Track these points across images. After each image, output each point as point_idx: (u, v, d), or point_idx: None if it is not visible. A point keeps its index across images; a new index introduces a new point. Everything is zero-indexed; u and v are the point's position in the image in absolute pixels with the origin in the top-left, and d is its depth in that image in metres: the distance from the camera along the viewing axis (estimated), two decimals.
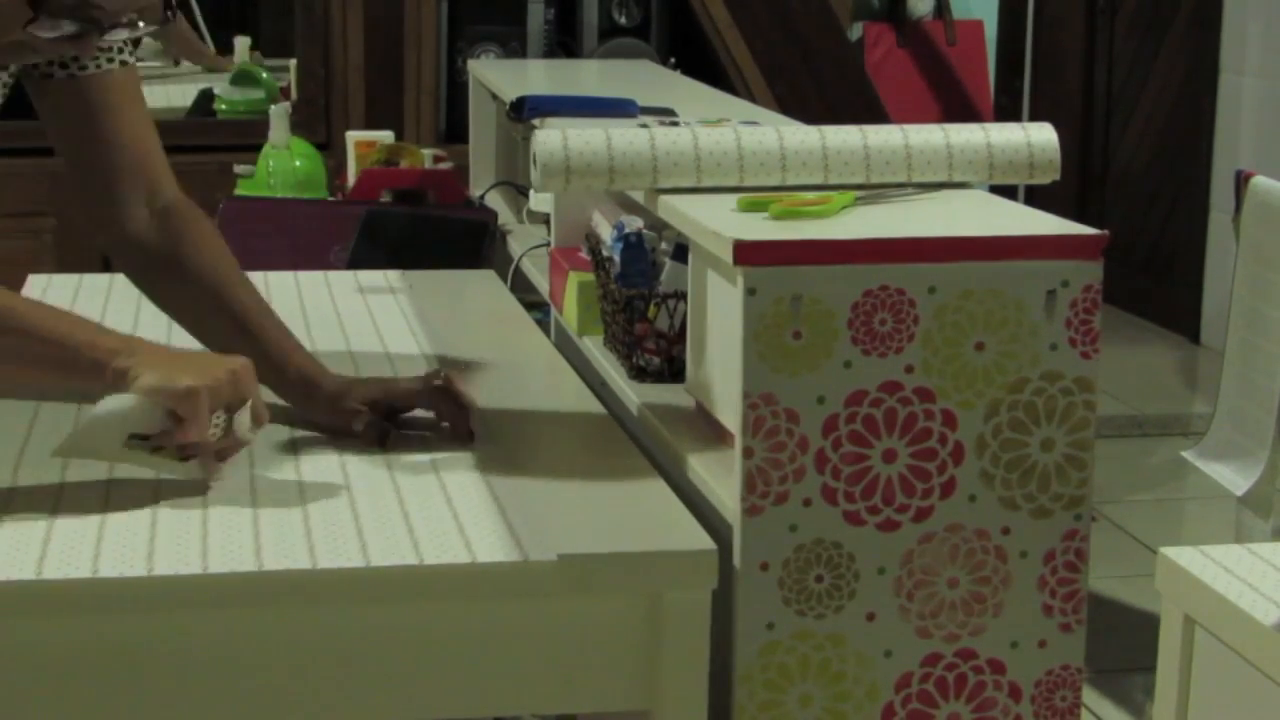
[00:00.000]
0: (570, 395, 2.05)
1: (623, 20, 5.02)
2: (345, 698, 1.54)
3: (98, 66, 1.86)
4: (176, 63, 5.00)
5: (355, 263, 2.91)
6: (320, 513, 1.62)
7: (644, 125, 1.92)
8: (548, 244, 2.70)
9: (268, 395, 1.79)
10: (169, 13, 1.71)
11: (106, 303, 2.37)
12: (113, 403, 1.61)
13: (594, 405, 2.00)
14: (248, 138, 4.18)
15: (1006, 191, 2.10)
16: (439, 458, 1.77)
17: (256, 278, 2.53)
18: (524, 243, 2.96)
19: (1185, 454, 2.82)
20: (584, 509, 1.69)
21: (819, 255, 1.63)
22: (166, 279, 1.94)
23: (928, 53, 6.37)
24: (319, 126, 4.77)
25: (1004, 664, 1.71)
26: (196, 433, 1.61)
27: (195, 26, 4.98)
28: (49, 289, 2.46)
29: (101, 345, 1.64)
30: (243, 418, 1.65)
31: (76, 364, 1.63)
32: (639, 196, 1.94)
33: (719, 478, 1.73)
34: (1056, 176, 1.91)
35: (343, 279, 2.58)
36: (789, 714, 1.67)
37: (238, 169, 3.57)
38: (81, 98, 1.87)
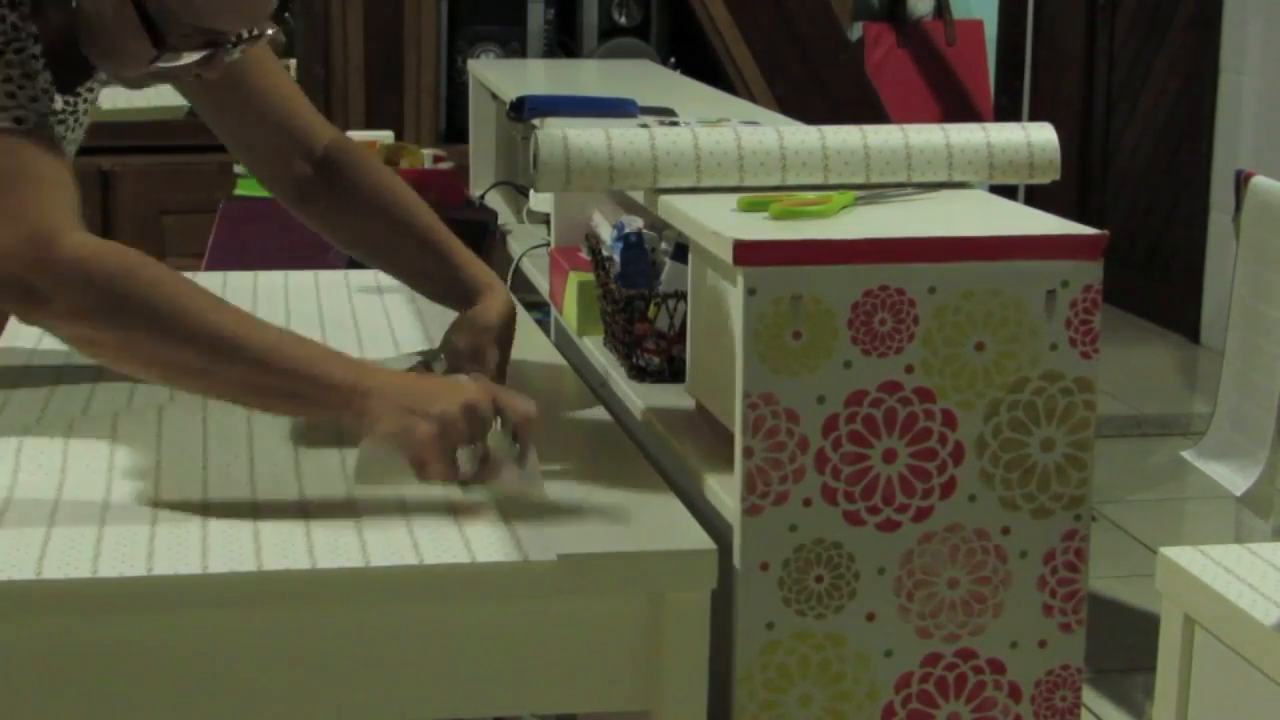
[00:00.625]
0: (570, 395, 2.05)
1: (623, 20, 5.03)
2: (345, 698, 1.54)
3: (278, 25, 1.88)
4: None
5: (355, 263, 2.91)
6: (320, 513, 1.62)
7: (644, 125, 1.92)
8: (548, 244, 2.70)
9: (256, 433, 1.78)
10: (285, 13, 1.75)
11: None
12: None
13: (594, 405, 2.00)
14: None
15: (1006, 191, 2.10)
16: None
17: (246, 278, 2.54)
18: (524, 243, 2.96)
19: (1185, 454, 2.82)
20: (584, 509, 1.69)
21: (819, 255, 1.63)
22: (345, 216, 1.99)
23: (928, 53, 6.37)
24: None
25: (1004, 664, 1.71)
26: (439, 474, 1.61)
27: None
28: None
29: (337, 382, 1.60)
30: (491, 446, 1.64)
31: (311, 402, 1.61)
32: (639, 196, 1.94)
33: (719, 478, 1.73)
34: (1056, 176, 1.91)
35: (334, 279, 2.58)
36: (789, 714, 1.67)
37: (238, 169, 3.57)
38: (229, 75, 1.88)
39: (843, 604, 1.67)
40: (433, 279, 1.98)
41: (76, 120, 1.86)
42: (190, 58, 1.70)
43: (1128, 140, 6.34)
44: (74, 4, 1.69)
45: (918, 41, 6.36)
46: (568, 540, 1.58)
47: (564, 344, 2.39)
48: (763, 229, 1.68)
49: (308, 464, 1.75)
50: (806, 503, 1.64)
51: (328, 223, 2.02)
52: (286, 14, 1.76)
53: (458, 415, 1.60)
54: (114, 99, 3.25)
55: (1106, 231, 1.68)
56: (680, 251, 2.05)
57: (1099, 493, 3.43)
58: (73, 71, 1.79)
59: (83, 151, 1.92)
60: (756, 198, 1.78)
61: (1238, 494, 2.69)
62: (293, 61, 4.92)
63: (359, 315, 2.37)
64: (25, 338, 2.21)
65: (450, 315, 1.95)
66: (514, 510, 1.64)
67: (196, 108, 1.99)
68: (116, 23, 1.68)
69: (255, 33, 1.74)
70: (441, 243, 1.96)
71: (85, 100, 1.86)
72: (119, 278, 1.58)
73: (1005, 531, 1.69)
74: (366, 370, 1.64)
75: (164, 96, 2.18)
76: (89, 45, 1.72)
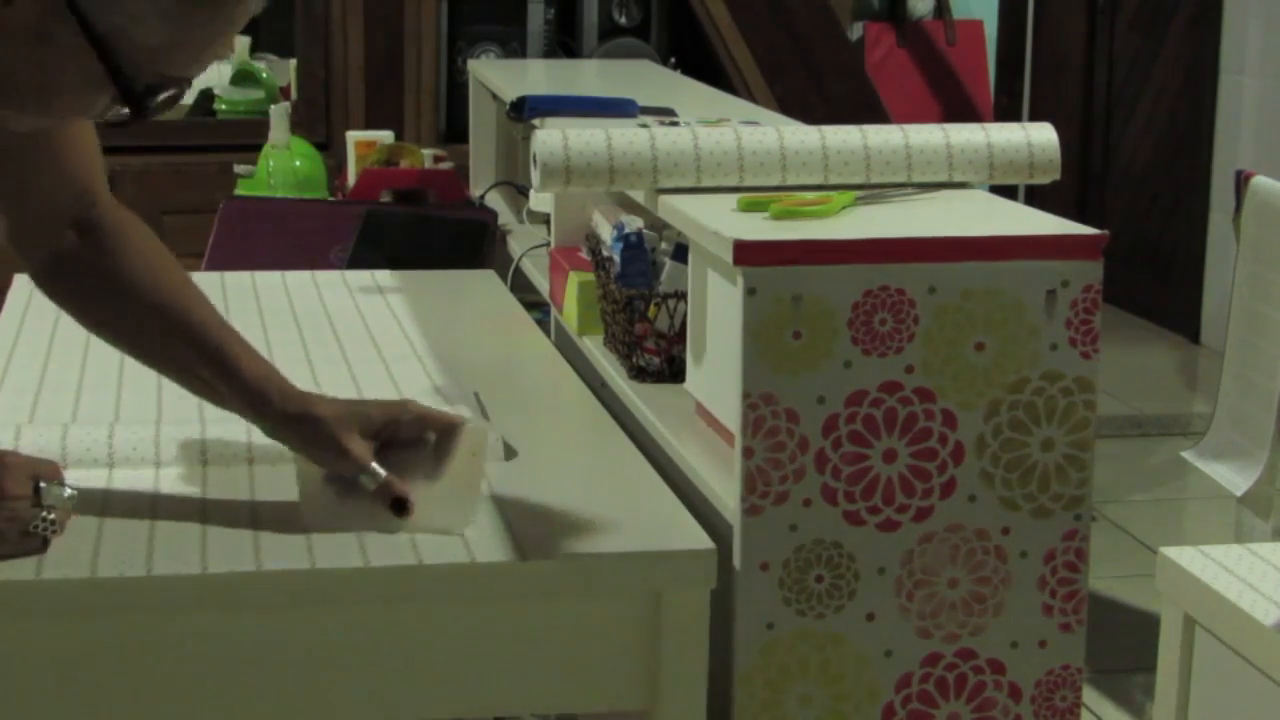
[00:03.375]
0: (570, 395, 2.05)
1: (623, 20, 5.03)
2: (345, 698, 1.54)
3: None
4: None
5: (355, 263, 2.91)
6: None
7: (644, 125, 1.92)
8: (548, 244, 2.70)
9: (256, 434, 1.69)
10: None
11: None
12: None
13: (594, 405, 2.00)
14: (248, 138, 4.18)
15: (1006, 191, 2.10)
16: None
17: (246, 278, 2.54)
18: (524, 243, 2.96)
19: (1185, 454, 2.82)
20: (584, 509, 1.69)
21: (819, 255, 1.63)
22: (103, 300, 1.70)
23: (928, 53, 6.37)
24: (319, 126, 4.77)
25: (1004, 664, 1.71)
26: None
27: None
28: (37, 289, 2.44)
29: None
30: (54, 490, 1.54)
31: None
32: (639, 196, 1.94)
33: (719, 478, 1.73)
34: (1056, 176, 1.91)
35: (333, 279, 2.58)
36: (789, 714, 1.67)
37: (238, 169, 3.57)
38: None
39: (843, 604, 1.67)
40: (210, 388, 1.68)
41: None
42: (157, 107, 1.48)
43: (1128, 140, 6.34)
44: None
45: (918, 41, 6.36)
46: (568, 540, 1.58)
47: (564, 344, 2.39)
48: (763, 229, 1.68)
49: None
50: (806, 503, 1.64)
51: (81, 304, 1.72)
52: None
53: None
54: None
55: (1106, 231, 1.68)
56: (680, 251, 2.05)
57: (1099, 493, 3.42)
58: None
59: None
60: (756, 198, 1.78)
61: (1238, 494, 2.69)
62: (293, 62, 4.92)
63: (351, 314, 2.37)
64: (4, 335, 2.21)
65: (449, 318, 1.94)
66: (514, 510, 1.64)
67: None
68: (71, 77, 1.43)
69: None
70: (230, 350, 1.65)
71: None
72: None
73: (1005, 531, 1.68)
74: None
75: None
76: (20, 103, 1.46)
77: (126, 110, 1.49)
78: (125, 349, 1.74)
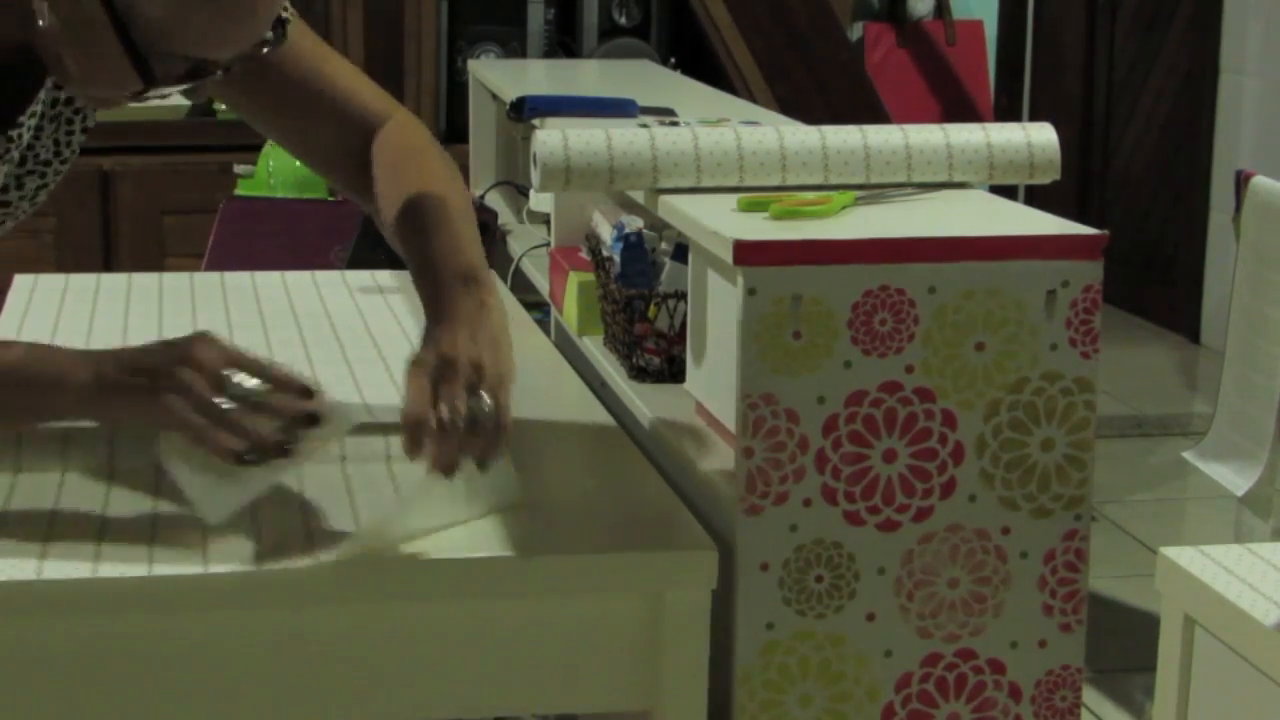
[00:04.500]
0: (571, 395, 2.05)
1: (623, 20, 5.02)
2: (345, 698, 1.54)
3: (278, 39, 1.66)
4: None
5: (355, 263, 2.91)
6: (320, 512, 1.62)
7: (644, 125, 1.92)
8: (548, 244, 2.70)
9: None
10: (281, 30, 1.63)
11: (95, 303, 2.36)
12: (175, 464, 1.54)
13: (594, 405, 2.00)
14: (248, 138, 4.16)
15: (1006, 191, 2.10)
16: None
17: (246, 278, 2.54)
18: (524, 243, 2.96)
19: (1185, 454, 2.82)
20: (584, 509, 1.69)
21: (819, 255, 1.63)
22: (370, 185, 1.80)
23: (928, 53, 6.37)
24: None
25: (1004, 664, 1.71)
26: (225, 441, 1.49)
27: None
28: (36, 288, 2.45)
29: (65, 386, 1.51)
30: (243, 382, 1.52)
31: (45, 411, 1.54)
32: (639, 196, 1.94)
33: (719, 478, 1.73)
34: (1056, 176, 1.91)
35: (333, 279, 2.58)
36: (789, 714, 1.67)
37: (238, 169, 3.57)
38: (267, 75, 1.75)
39: (843, 604, 1.67)
40: (409, 259, 1.73)
41: (30, 163, 1.72)
42: (177, 89, 1.56)
43: (1128, 140, 6.34)
44: (42, 25, 1.51)
45: (918, 41, 6.36)
46: (568, 540, 1.58)
47: (564, 344, 2.39)
48: (763, 229, 1.68)
49: (307, 462, 1.75)
50: (806, 503, 1.64)
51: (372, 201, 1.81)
52: (279, 28, 1.59)
53: (177, 370, 1.49)
54: None
55: (1106, 231, 1.68)
56: (680, 251, 2.05)
57: (1099, 493, 3.43)
58: (6, 105, 1.65)
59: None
60: (756, 198, 1.78)
61: (1238, 494, 2.69)
62: None
63: (350, 314, 2.37)
64: (4, 335, 2.21)
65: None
66: (514, 510, 1.64)
67: (236, 110, 1.83)
68: (98, 54, 1.51)
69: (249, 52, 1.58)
70: (428, 225, 1.70)
71: (30, 130, 1.70)
72: None
73: (1005, 531, 1.69)
74: (79, 360, 1.54)
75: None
76: (60, 74, 1.57)
77: (182, 89, 1.55)
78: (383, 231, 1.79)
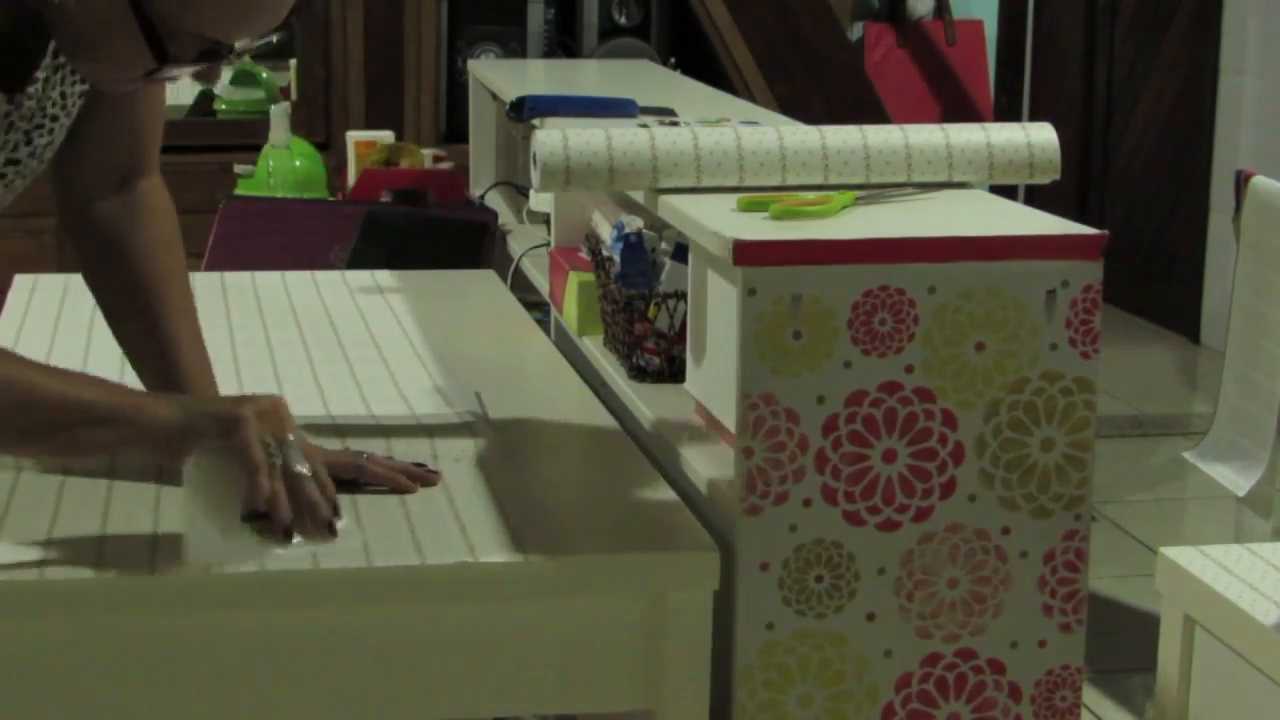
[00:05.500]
0: (571, 395, 2.05)
1: (623, 20, 5.03)
2: (346, 698, 1.54)
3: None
4: None
5: (355, 263, 2.91)
6: None
7: (644, 125, 1.92)
8: (548, 244, 2.70)
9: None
10: (291, 18, 1.63)
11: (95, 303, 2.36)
12: (197, 480, 1.54)
13: (594, 405, 2.00)
14: (248, 138, 4.18)
15: (1006, 191, 2.10)
16: (440, 456, 1.77)
17: (245, 278, 2.54)
18: (524, 243, 2.96)
19: (1186, 454, 2.82)
20: (584, 509, 1.69)
21: (819, 255, 1.63)
22: (106, 265, 1.81)
23: (928, 53, 6.37)
24: (319, 126, 4.78)
25: (1004, 664, 1.71)
26: (268, 488, 1.51)
27: None
28: (36, 289, 2.45)
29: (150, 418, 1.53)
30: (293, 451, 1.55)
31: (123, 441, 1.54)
32: (639, 196, 1.94)
33: (719, 478, 1.73)
34: (1056, 176, 1.91)
35: (333, 279, 2.58)
36: (789, 714, 1.67)
37: (238, 169, 3.57)
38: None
39: (843, 604, 1.67)
40: (150, 375, 1.77)
41: (37, 119, 1.72)
42: (189, 70, 1.57)
43: (1128, 140, 6.34)
44: (57, 2, 1.53)
45: (918, 41, 6.36)
46: (568, 540, 1.58)
47: (564, 344, 2.39)
48: (763, 229, 1.68)
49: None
50: (806, 503, 1.64)
51: (90, 261, 1.83)
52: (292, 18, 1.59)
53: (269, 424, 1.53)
54: None
55: (1106, 231, 1.68)
56: (680, 251, 2.05)
57: (1099, 493, 3.42)
58: (11, 69, 1.65)
59: None
60: (756, 198, 1.78)
61: (1239, 494, 2.69)
62: (293, 62, 4.92)
63: (350, 314, 2.37)
64: (4, 335, 2.21)
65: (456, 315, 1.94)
66: (514, 510, 1.64)
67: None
68: (111, 29, 1.52)
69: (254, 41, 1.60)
70: (180, 350, 1.76)
71: (34, 98, 1.70)
72: None
73: (1005, 531, 1.68)
74: (187, 405, 1.57)
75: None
76: (71, 49, 1.58)
77: (197, 70, 1.56)
78: (102, 307, 1.83)
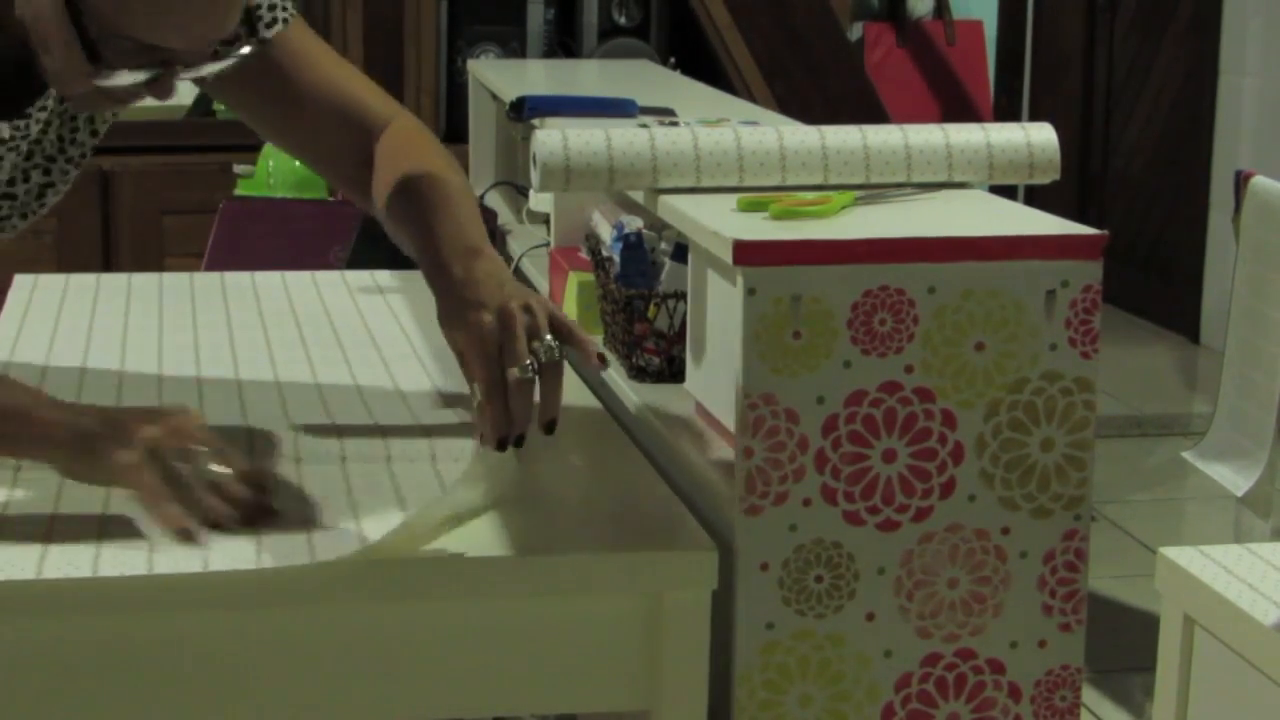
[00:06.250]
0: (570, 395, 2.05)
1: (623, 20, 5.03)
2: (344, 697, 1.54)
3: (259, 42, 1.70)
4: None
5: (355, 263, 2.91)
6: (321, 512, 1.62)
7: (644, 125, 1.92)
8: (548, 244, 2.70)
9: (257, 436, 1.74)
10: (261, 26, 1.62)
11: (95, 303, 2.36)
12: None
13: (594, 405, 2.00)
14: (248, 138, 4.16)
15: (1006, 191, 2.10)
16: (439, 455, 1.77)
17: (245, 278, 2.54)
18: (524, 243, 2.96)
19: (1185, 454, 2.82)
20: (584, 509, 1.69)
21: (819, 255, 1.63)
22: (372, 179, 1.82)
23: (928, 53, 6.37)
24: None
25: (1004, 664, 1.71)
26: (173, 518, 1.50)
27: None
28: (36, 289, 2.45)
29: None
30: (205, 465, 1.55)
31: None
32: (639, 196, 1.94)
33: (719, 478, 1.73)
34: (1056, 176, 1.91)
35: (333, 279, 2.58)
36: (789, 714, 1.67)
37: (238, 169, 3.57)
38: (268, 77, 1.76)
39: (842, 604, 1.67)
40: (412, 235, 1.72)
41: (36, 157, 1.73)
42: (130, 78, 1.54)
43: (1128, 140, 6.34)
44: (17, 14, 1.53)
45: (918, 41, 6.36)
46: (568, 540, 1.58)
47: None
48: (763, 229, 1.68)
49: (308, 463, 1.75)
50: (806, 503, 1.64)
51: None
52: (265, 30, 1.59)
53: (154, 433, 1.51)
54: None
55: (1106, 231, 1.68)
56: (680, 251, 2.05)
57: (1099, 493, 3.43)
58: (12, 96, 1.66)
59: None
60: (756, 198, 1.78)
61: (1238, 494, 2.69)
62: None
63: (350, 314, 2.37)
64: (4, 335, 2.21)
65: None
66: (514, 509, 1.64)
67: (242, 109, 1.83)
68: (54, 36, 1.52)
69: (225, 50, 1.59)
70: (429, 207, 1.69)
71: (40, 123, 1.72)
72: None
73: (1005, 531, 1.69)
74: (53, 402, 1.55)
75: None
76: (42, 68, 1.57)
77: (140, 79, 1.54)
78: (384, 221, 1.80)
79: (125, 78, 1.54)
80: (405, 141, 1.81)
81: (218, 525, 1.53)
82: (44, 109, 1.71)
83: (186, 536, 1.50)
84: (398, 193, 1.73)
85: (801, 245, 1.63)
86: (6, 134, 1.66)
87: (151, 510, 1.52)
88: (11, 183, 1.70)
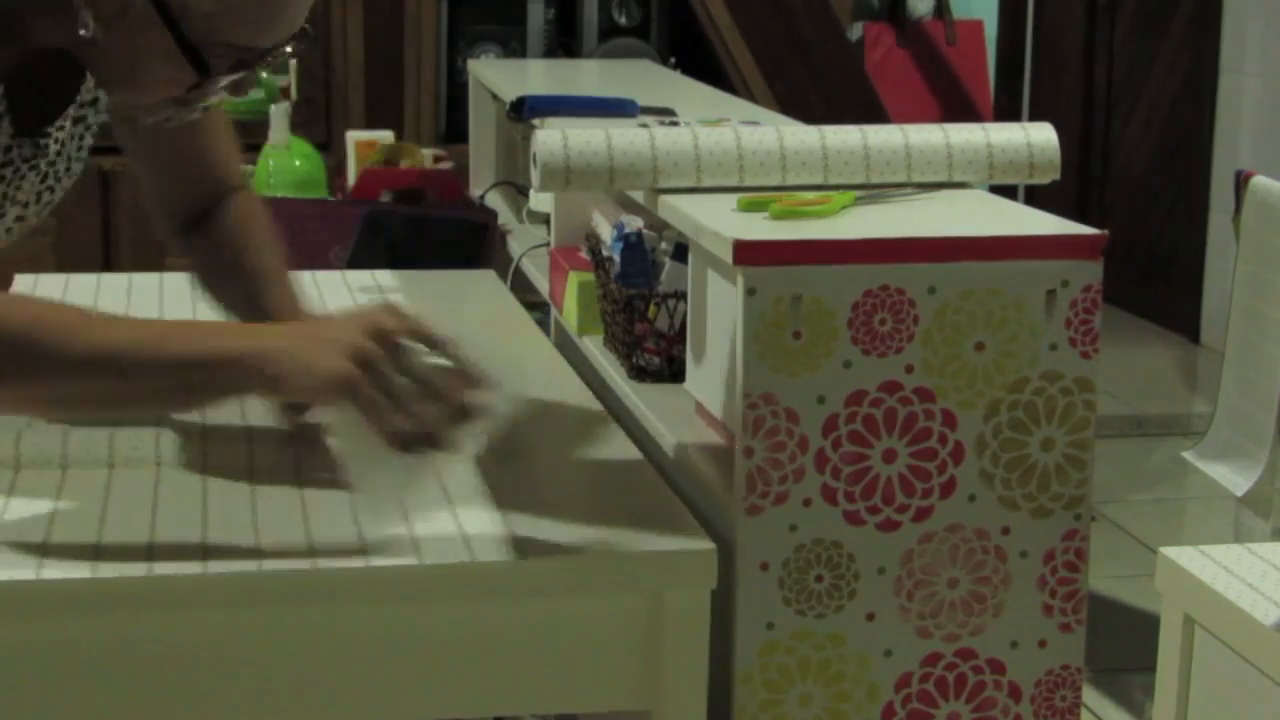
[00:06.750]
0: (570, 395, 2.05)
1: (623, 20, 5.03)
2: (345, 698, 1.54)
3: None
4: None
5: (355, 263, 2.91)
6: (320, 512, 1.62)
7: (644, 125, 1.92)
8: (548, 244, 2.70)
9: (257, 435, 1.75)
10: (305, 29, 1.63)
11: (95, 303, 2.36)
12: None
13: (594, 405, 2.00)
14: (248, 138, 4.16)
15: (1006, 191, 2.10)
16: (439, 457, 1.77)
17: None
18: (524, 243, 2.96)
19: (1185, 454, 2.82)
20: (584, 509, 1.69)
21: (819, 255, 1.63)
22: (200, 241, 1.88)
23: (928, 53, 6.37)
24: (319, 126, 4.77)
25: (1004, 664, 1.71)
26: (398, 421, 1.47)
27: None
28: (36, 288, 2.45)
29: (230, 358, 1.48)
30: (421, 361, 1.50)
31: (211, 389, 1.50)
32: (639, 196, 1.94)
33: (719, 478, 1.73)
34: (1056, 176, 1.91)
35: (333, 279, 2.58)
36: (789, 714, 1.67)
37: None
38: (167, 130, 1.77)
39: (843, 604, 1.67)
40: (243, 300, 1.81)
41: (54, 163, 1.73)
42: (226, 80, 1.58)
43: (1128, 140, 6.34)
44: (84, 34, 1.51)
45: (918, 41, 6.36)
46: (568, 540, 1.58)
47: (564, 344, 2.39)
48: (763, 229, 1.68)
49: (308, 462, 1.75)
50: (806, 503, 1.64)
51: (195, 261, 1.90)
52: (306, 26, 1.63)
53: (362, 339, 1.47)
54: None
55: (1106, 231, 1.68)
56: (680, 251, 2.05)
57: (1099, 493, 3.43)
58: (37, 112, 1.66)
59: None
60: (756, 198, 1.78)
61: (1238, 494, 2.69)
62: (293, 62, 4.92)
63: None
64: None
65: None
66: (514, 510, 1.64)
67: (120, 143, 1.85)
68: (147, 51, 1.53)
69: (281, 50, 1.62)
70: (268, 294, 1.79)
71: (58, 143, 1.72)
72: None
73: (1005, 531, 1.69)
74: (254, 332, 1.55)
75: None
76: (108, 80, 1.59)
77: (232, 80, 1.58)
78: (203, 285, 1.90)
79: (221, 82, 1.58)
80: (254, 216, 1.92)
81: (430, 439, 1.49)
82: (61, 128, 1.72)
83: (404, 447, 1.47)
84: (243, 264, 1.84)
85: (802, 245, 1.63)
86: (29, 152, 1.67)
87: (372, 425, 1.47)
88: (26, 204, 1.71)
